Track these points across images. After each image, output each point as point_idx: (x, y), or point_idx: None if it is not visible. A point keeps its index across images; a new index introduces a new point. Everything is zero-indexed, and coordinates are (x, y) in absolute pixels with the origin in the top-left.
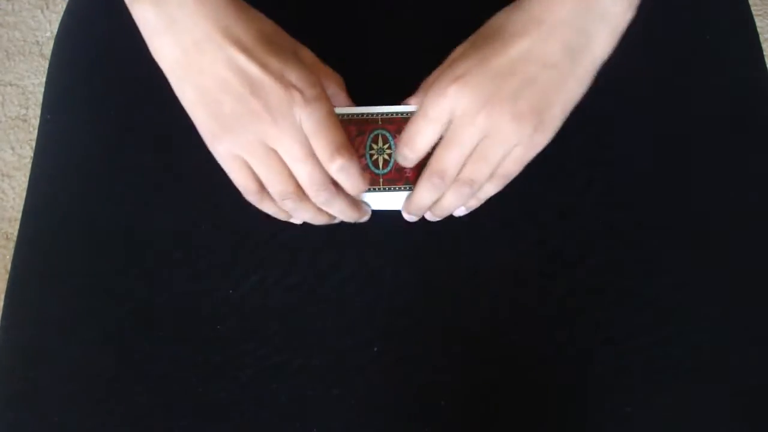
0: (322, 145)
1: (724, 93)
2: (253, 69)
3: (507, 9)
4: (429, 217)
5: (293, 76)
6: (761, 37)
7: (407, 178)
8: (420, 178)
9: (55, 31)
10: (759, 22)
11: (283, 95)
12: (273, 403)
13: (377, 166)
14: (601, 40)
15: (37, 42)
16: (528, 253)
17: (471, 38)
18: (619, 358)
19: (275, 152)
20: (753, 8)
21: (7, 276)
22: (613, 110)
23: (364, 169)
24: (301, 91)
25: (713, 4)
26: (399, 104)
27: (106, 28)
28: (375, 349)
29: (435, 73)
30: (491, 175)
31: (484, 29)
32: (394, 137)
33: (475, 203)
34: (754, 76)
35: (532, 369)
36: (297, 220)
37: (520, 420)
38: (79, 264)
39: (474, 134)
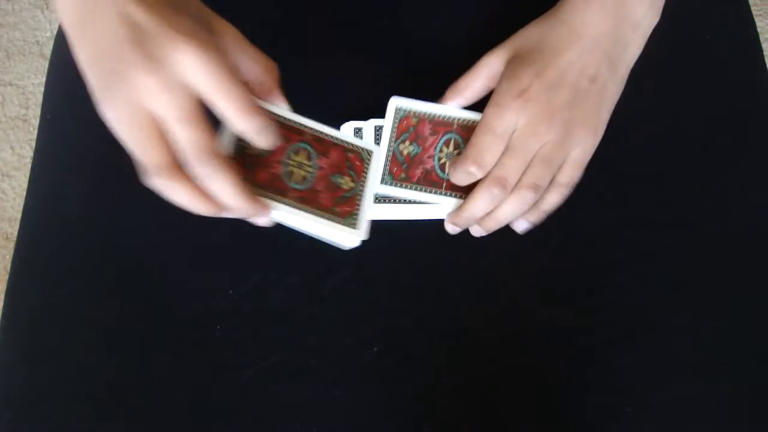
0: (230, 100)
1: (724, 93)
2: (140, 17)
3: (544, 20)
4: (475, 231)
5: (183, 24)
6: (761, 37)
7: (321, 203)
8: (477, 187)
9: (55, 31)
10: (759, 22)
11: (166, 42)
12: (273, 403)
13: (291, 179)
14: (634, 47)
15: (37, 42)
16: (528, 253)
17: (511, 48)
18: (619, 358)
19: (150, 112)
20: (753, 8)
21: (7, 276)
22: (612, 111)
23: (278, 177)
24: (190, 38)
25: (713, 4)
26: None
27: None
28: (375, 349)
29: (466, 79)
30: (552, 183)
31: (524, 40)
32: (319, 158)
33: (536, 217)
34: (754, 76)
35: (532, 369)
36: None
37: (520, 420)
38: (79, 264)
39: (535, 143)
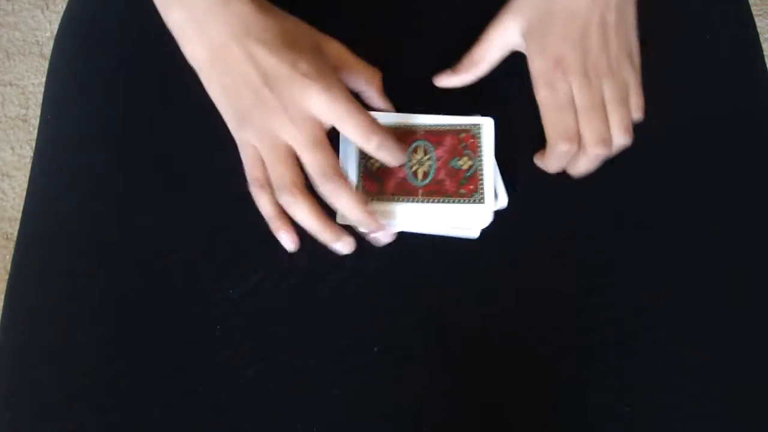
0: (353, 127)
1: (724, 93)
2: (268, 61)
3: None
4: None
5: (305, 66)
6: (761, 37)
7: (446, 190)
8: (579, 160)
9: (55, 31)
10: (759, 22)
11: (295, 85)
12: (273, 403)
13: (417, 178)
14: None
15: (37, 42)
16: (528, 253)
17: (522, 17)
18: (619, 358)
19: (284, 143)
20: (753, 8)
21: (7, 276)
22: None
23: (404, 180)
24: (314, 80)
25: (713, 4)
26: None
27: (105, 28)
28: (375, 349)
29: (480, 50)
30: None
31: (533, 8)
32: (436, 148)
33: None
34: (754, 76)
35: (532, 369)
36: (287, 232)
37: (520, 420)
38: (79, 264)
39: (598, 94)
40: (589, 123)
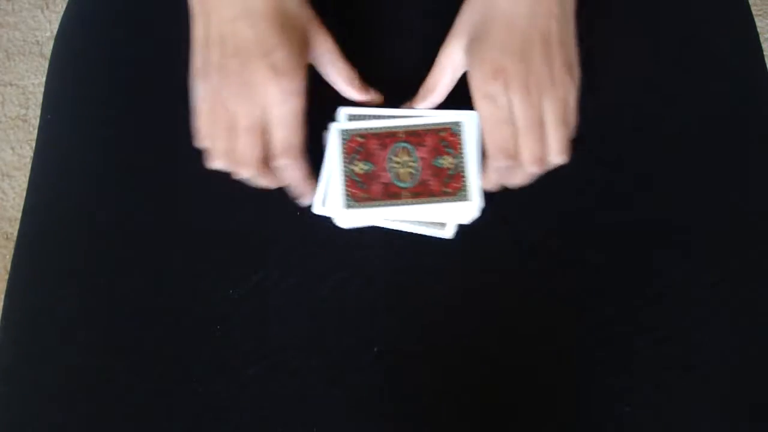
0: (280, 135)
1: (724, 93)
2: (246, 34)
3: None
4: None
5: (278, 57)
6: (761, 37)
7: (432, 190)
8: (520, 177)
9: (55, 31)
10: (759, 22)
11: (259, 70)
12: (273, 403)
13: (400, 180)
14: None
15: (37, 42)
16: (528, 253)
17: (463, 33)
18: (619, 358)
19: (226, 110)
20: (753, 8)
21: (7, 276)
22: (612, 110)
23: (388, 183)
24: (278, 76)
25: (713, 4)
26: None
27: (105, 28)
28: (375, 349)
29: (434, 77)
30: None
31: (472, 20)
32: (417, 149)
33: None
34: (754, 76)
35: (532, 369)
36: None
37: (520, 420)
38: (79, 264)
39: (538, 110)
40: (527, 142)
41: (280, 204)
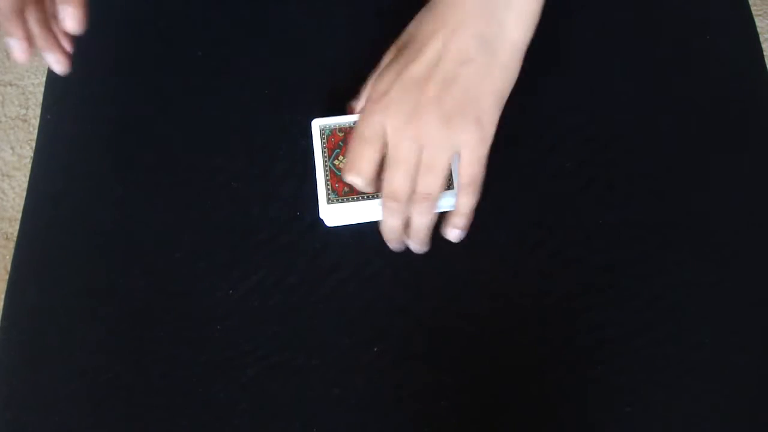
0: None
1: (724, 93)
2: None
3: (419, 13)
4: (415, 248)
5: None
6: (761, 37)
7: None
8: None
9: None
10: (759, 22)
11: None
12: (273, 403)
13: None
14: (513, 26)
15: None
16: (528, 253)
17: (392, 47)
18: (619, 358)
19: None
20: (753, 8)
21: (7, 276)
22: (612, 110)
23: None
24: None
25: (713, 4)
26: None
27: (105, 29)
28: (375, 349)
29: (369, 82)
30: (444, 186)
31: (402, 37)
32: None
33: (461, 220)
34: (754, 76)
35: (532, 369)
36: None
37: (520, 420)
38: (79, 264)
39: (410, 148)
40: (389, 174)
41: (280, 204)
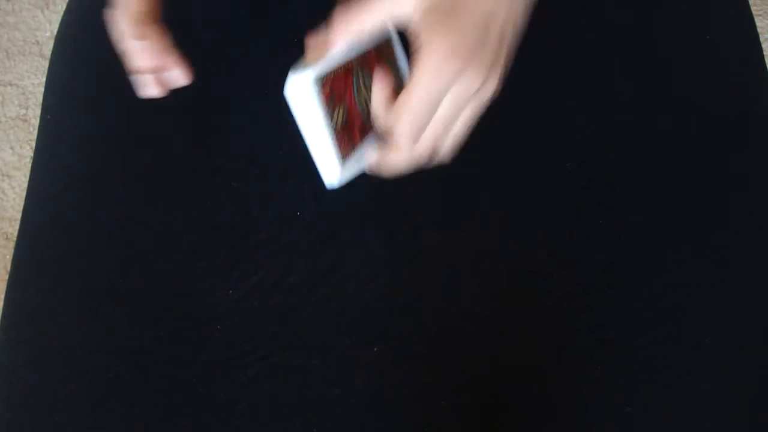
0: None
1: (724, 93)
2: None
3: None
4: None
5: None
6: (761, 37)
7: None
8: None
9: (55, 31)
10: (759, 22)
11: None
12: (273, 403)
13: (369, 115)
14: None
15: (37, 42)
16: (527, 253)
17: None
18: (619, 358)
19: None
20: (753, 8)
21: (7, 276)
22: (612, 110)
23: (363, 122)
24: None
25: (713, 4)
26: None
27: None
28: (375, 349)
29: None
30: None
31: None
32: (371, 74)
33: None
34: (754, 76)
35: (531, 369)
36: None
37: (520, 420)
38: (79, 264)
39: (461, 106)
40: (430, 133)
41: (280, 204)
